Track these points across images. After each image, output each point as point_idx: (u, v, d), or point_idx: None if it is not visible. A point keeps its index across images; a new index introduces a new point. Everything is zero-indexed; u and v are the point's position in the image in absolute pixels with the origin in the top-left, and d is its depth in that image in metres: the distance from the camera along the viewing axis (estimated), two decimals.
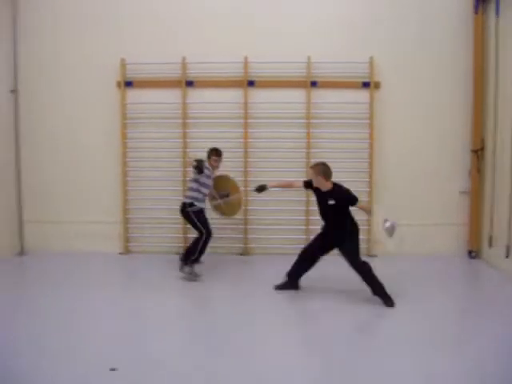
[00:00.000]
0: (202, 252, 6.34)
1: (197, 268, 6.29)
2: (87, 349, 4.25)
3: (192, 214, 6.32)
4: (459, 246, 7.44)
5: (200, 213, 6.39)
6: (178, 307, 5.51)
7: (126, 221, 7.61)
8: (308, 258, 5.66)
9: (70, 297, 5.60)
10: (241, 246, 7.56)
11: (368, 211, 5.85)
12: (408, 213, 7.35)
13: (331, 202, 5.33)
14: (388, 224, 5.42)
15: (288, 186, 6.19)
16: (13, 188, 7.53)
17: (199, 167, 6.20)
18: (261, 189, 6.06)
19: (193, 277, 6.19)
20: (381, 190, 7.38)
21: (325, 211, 5.51)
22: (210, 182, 6.51)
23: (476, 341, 4.42)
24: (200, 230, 6.30)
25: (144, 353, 4.19)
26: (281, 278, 5.80)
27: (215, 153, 6.53)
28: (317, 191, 5.51)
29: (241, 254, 7.52)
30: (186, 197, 6.46)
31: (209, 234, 6.30)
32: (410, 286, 6.01)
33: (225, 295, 5.75)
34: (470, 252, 7.37)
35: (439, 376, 3.80)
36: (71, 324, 4.82)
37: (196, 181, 6.41)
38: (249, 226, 7.53)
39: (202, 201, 6.47)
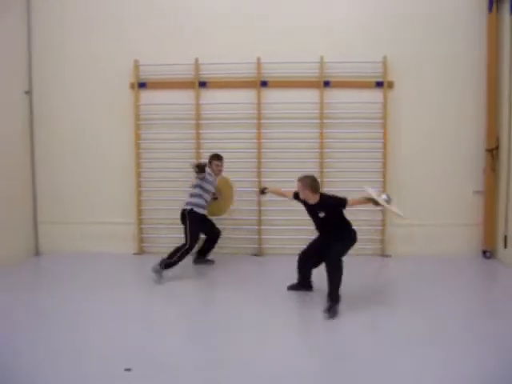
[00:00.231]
0: (180, 260, 6.24)
1: (165, 273, 6.18)
2: (98, 349, 4.28)
3: (187, 221, 6.32)
4: (474, 246, 7.40)
5: (196, 221, 6.36)
6: (188, 307, 5.50)
7: (140, 221, 7.65)
8: (310, 258, 5.57)
9: (83, 297, 5.63)
10: (255, 246, 7.57)
11: (366, 202, 5.32)
12: (422, 213, 7.35)
13: (321, 215, 5.26)
14: (384, 196, 5.38)
15: (281, 194, 5.98)
16: (28, 190, 7.58)
17: (200, 166, 6.21)
18: (262, 191, 6.14)
19: (158, 277, 6.13)
20: (394, 190, 7.33)
21: (318, 223, 5.42)
22: (212, 189, 6.56)
23: (489, 342, 4.39)
24: (186, 239, 6.27)
25: (150, 353, 4.20)
26: (293, 278, 5.80)
27: (216, 157, 6.62)
28: (305, 203, 5.40)
29: (255, 255, 7.53)
30: (187, 203, 6.45)
31: (191, 247, 6.25)
32: (424, 286, 6.02)
33: (234, 296, 5.71)
34: (484, 252, 7.33)
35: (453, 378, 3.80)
36: (84, 324, 4.86)
37: (199, 186, 6.42)
38: (263, 227, 7.54)
39: (203, 207, 6.47)
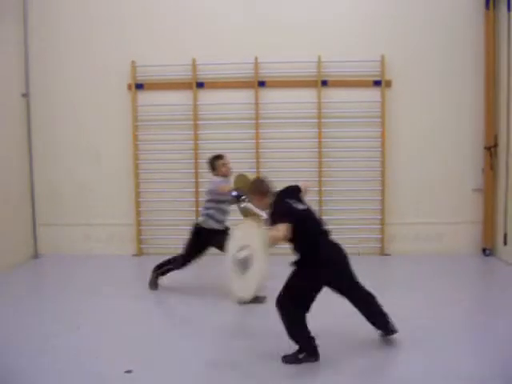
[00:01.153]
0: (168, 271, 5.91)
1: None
2: (97, 351, 4.28)
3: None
4: (473, 244, 7.38)
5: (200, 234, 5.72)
6: (185, 309, 5.46)
7: (139, 223, 7.64)
8: None
9: (82, 299, 5.63)
10: None
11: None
12: (421, 211, 7.35)
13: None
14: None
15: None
16: (27, 192, 7.56)
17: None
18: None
19: (152, 285, 5.91)
20: (393, 189, 7.35)
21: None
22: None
23: (489, 340, 4.37)
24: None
25: (149, 355, 4.18)
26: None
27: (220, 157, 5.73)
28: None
29: None
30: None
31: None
32: (423, 285, 5.99)
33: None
34: (484, 250, 7.31)
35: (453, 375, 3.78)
36: (83, 326, 4.85)
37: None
38: None
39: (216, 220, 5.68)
